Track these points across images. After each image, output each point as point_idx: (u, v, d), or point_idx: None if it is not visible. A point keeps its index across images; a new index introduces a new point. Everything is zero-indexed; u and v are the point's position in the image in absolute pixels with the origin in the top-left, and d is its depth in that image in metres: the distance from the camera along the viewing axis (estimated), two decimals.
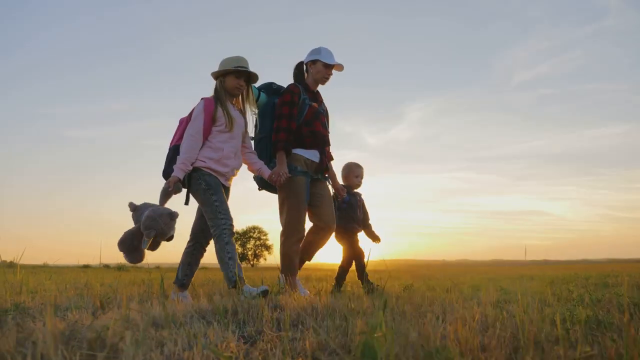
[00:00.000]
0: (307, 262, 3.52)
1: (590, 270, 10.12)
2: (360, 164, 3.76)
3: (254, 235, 40.94)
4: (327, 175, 3.49)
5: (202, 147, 2.83)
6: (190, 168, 2.75)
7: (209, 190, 2.73)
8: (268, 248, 38.09)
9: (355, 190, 3.74)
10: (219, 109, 2.84)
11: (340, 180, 3.70)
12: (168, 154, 2.94)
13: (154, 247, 2.74)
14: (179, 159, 2.73)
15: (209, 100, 2.87)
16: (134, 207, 2.78)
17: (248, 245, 40.78)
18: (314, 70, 3.33)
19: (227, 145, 2.86)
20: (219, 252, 2.71)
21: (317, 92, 3.44)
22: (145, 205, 2.76)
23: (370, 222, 3.83)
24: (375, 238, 3.81)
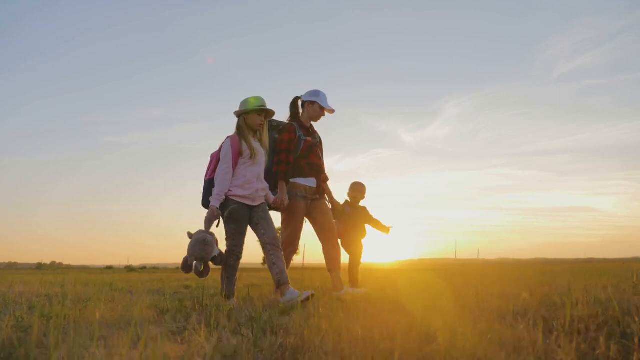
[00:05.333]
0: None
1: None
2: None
3: None
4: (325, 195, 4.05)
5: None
6: (224, 198, 3.28)
7: (230, 217, 3.29)
8: None
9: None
10: (244, 144, 3.35)
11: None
12: (204, 186, 3.47)
13: (205, 271, 3.21)
14: (215, 190, 3.26)
15: (234, 138, 3.37)
16: (190, 236, 3.22)
17: None
18: (311, 110, 3.87)
19: (249, 172, 3.35)
20: (222, 271, 3.33)
21: (311, 125, 3.94)
22: (197, 233, 3.20)
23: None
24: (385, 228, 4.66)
